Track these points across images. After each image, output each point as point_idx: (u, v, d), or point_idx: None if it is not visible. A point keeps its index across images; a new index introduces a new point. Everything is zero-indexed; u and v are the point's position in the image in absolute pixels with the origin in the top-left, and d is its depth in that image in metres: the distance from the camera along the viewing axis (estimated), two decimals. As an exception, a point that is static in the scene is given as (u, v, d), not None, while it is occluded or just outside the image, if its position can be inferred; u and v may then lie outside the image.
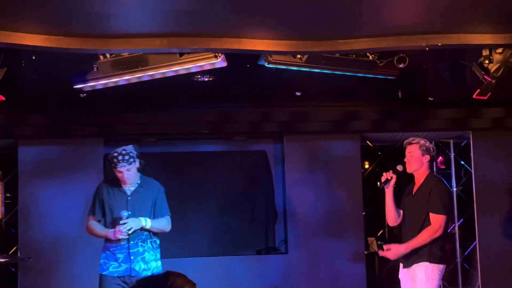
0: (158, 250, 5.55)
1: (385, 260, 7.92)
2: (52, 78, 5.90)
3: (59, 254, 7.07)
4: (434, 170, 6.32)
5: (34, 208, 7.14)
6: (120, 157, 5.32)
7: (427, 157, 5.30)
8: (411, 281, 5.24)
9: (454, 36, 4.64)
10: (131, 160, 5.36)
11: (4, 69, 4.78)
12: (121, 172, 5.37)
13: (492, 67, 4.97)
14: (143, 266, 5.39)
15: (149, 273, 5.27)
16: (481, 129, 7.81)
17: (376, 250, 8.76)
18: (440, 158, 8.09)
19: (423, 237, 5.14)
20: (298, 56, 5.09)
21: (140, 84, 5.31)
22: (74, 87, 5.32)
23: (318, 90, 6.91)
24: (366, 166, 9.23)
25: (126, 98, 6.53)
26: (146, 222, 5.38)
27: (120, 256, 5.38)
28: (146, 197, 5.51)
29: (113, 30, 4.44)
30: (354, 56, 5.19)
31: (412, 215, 5.29)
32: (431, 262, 5.11)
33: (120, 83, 5.20)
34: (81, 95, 6.18)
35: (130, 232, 5.31)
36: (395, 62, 5.25)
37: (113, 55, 4.85)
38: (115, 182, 5.53)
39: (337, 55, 5.12)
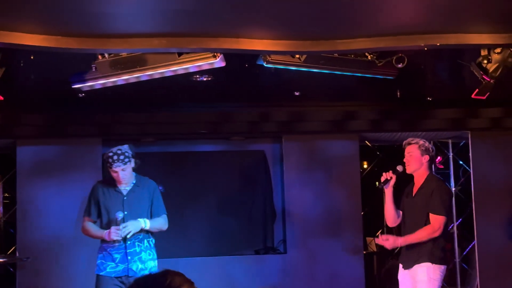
0: (154, 249, 5.55)
1: (383, 260, 7.91)
2: (51, 78, 5.90)
3: (58, 254, 7.06)
4: (433, 170, 6.32)
5: (32, 208, 7.13)
6: (115, 157, 5.30)
7: (427, 157, 5.28)
8: (411, 282, 5.23)
9: (453, 36, 4.64)
10: (126, 160, 5.34)
11: (2, 69, 4.78)
12: (116, 172, 5.35)
13: (491, 67, 4.97)
14: (140, 266, 5.38)
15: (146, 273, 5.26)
16: (479, 129, 7.81)
17: (375, 250, 8.77)
18: (438, 158, 8.11)
19: (422, 234, 5.13)
20: (297, 56, 5.09)
21: (139, 84, 5.31)
22: (73, 87, 5.31)
23: (317, 90, 6.91)
24: (365, 166, 9.23)
25: (124, 98, 6.52)
26: (146, 224, 5.37)
27: (117, 256, 5.37)
28: (142, 197, 5.49)
29: (111, 30, 4.44)
30: (352, 56, 5.20)
31: (412, 216, 5.27)
32: (432, 262, 5.09)
33: (119, 83, 5.20)
34: (80, 95, 6.17)
35: (129, 236, 5.31)
36: (393, 62, 5.25)
37: (112, 55, 4.85)
38: (111, 182, 5.51)
39: (336, 55, 5.12)
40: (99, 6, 3.95)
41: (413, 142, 5.33)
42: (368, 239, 8.71)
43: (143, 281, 2.16)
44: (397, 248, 5.33)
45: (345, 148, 7.78)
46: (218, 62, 4.85)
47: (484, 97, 5.39)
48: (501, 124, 7.77)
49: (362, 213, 7.87)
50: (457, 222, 8.51)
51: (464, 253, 8.58)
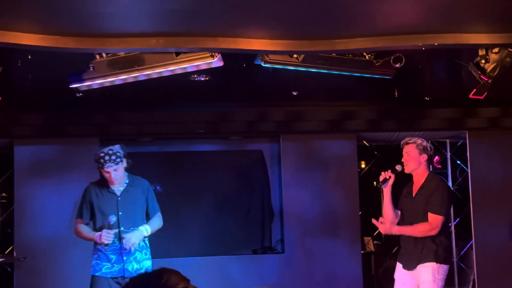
0: (149, 249, 5.53)
1: (381, 259, 7.91)
2: (48, 78, 5.89)
3: (56, 254, 7.05)
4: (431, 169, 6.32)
5: (30, 208, 7.12)
6: (106, 157, 5.25)
7: (425, 156, 5.25)
8: (412, 282, 5.19)
9: (451, 35, 4.64)
10: (118, 160, 5.29)
11: (0, 68, 4.78)
12: (108, 172, 5.31)
13: (489, 67, 4.97)
14: (136, 266, 5.37)
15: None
16: (477, 129, 7.82)
17: (373, 249, 8.77)
18: (436, 158, 8.10)
19: (418, 229, 5.12)
20: (295, 55, 5.09)
21: (137, 84, 5.31)
22: (70, 86, 5.31)
23: (315, 90, 6.91)
24: (363, 166, 9.23)
25: (122, 97, 6.52)
26: (147, 231, 5.38)
27: (113, 257, 5.35)
28: (136, 197, 5.46)
29: (109, 30, 4.44)
30: (350, 55, 5.20)
31: (413, 216, 5.23)
32: (437, 262, 5.06)
33: (116, 83, 5.19)
34: (77, 94, 6.16)
35: (135, 247, 5.30)
36: (391, 61, 5.26)
37: (109, 54, 4.85)
38: (103, 183, 5.46)
39: (334, 54, 5.13)
40: (97, 5, 3.95)
41: (410, 141, 5.31)
42: (366, 238, 8.71)
43: (138, 280, 2.13)
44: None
45: (343, 148, 7.78)
46: (216, 61, 4.85)
47: (482, 97, 5.38)
48: (499, 124, 7.78)
49: (360, 212, 7.87)
50: (455, 222, 8.51)
51: (462, 252, 8.59)
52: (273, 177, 7.87)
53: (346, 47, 4.75)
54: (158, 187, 7.42)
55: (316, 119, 7.57)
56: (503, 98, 7.23)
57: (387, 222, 5.27)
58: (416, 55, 5.44)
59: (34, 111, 7.09)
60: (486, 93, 5.29)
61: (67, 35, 4.40)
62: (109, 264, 5.35)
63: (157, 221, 5.51)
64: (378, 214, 5.36)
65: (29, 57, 5.04)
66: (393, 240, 5.52)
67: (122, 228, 5.34)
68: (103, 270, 5.36)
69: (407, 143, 5.32)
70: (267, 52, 4.89)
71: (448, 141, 8.70)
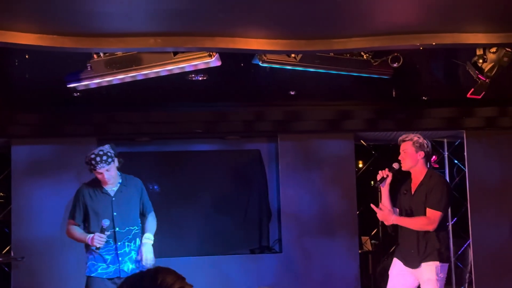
0: None
1: (379, 259, 7.91)
2: (46, 77, 5.88)
3: (53, 254, 7.04)
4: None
5: (27, 208, 7.11)
6: (98, 158, 5.22)
7: (421, 154, 5.23)
8: (412, 279, 5.19)
9: (448, 35, 4.65)
10: (110, 160, 5.25)
11: (-3, 68, 4.78)
12: (101, 173, 5.27)
13: (486, 67, 4.98)
14: (131, 266, 5.35)
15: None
16: (474, 128, 7.82)
17: (370, 249, 8.78)
18: (433, 157, 8.09)
19: (416, 222, 5.13)
20: (292, 55, 5.09)
21: (134, 83, 5.30)
22: (68, 86, 5.30)
23: (312, 89, 6.91)
24: (360, 165, 9.24)
25: (119, 97, 6.51)
26: (151, 238, 5.39)
27: (108, 257, 5.33)
28: (130, 196, 5.44)
29: (107, 29, 4.43)
30: (348, 55, 5.20)
31: (411, 213, 5.23)
32: (441, 261, 5.06)
33: (114, 82, 5.19)
34: (75, 94, 6.15)
35: (154, 261, 5.32)
36: (389, 61, 5.26)
37: (107, 54, 4.84)
38: (96, 184, 5.42)
39: (331, 54, 5.12)
40: (94, 5, 3.94)
41: (407, 139, 5.29)
42: (364, 238, 8.72)
43: (134, 280, 2.10)
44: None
45: (341, 147, 7.78)
46: (213, 61, 4.85)
47: (480, 97, 5.39)
48: (496, 124, 7.79)
49: (357, 212, 7.87)
50: (452, 221, 8.52)
51: (460, 252, 8.60)
52: (270, 176, 7.86)
53: (344, 47, 4.76)
54: (155, 187, 7.42)
55: (314, 118, 7.57)
56: (500, 97, 7.23)
57: (386, 209, 5.25)
58: (414, 54, 5.44)
59: (31, 111, 7.08)
60: (483, 92, 5.29)
61: (65, 34, 4.39)
62: (104, 264, 5.33)
63: (153, 223, 5.50)
64: (375, 213, 5.35)
65: (27, 56, 5.03)
66: (391, 240, 5.51)
67: (117, 229, 5.32)
68: (99, 271, 5.33)
69: (403, 141, 5.31)
70: (265, 52, 4.89)
71: (445, 140, 8.69)
